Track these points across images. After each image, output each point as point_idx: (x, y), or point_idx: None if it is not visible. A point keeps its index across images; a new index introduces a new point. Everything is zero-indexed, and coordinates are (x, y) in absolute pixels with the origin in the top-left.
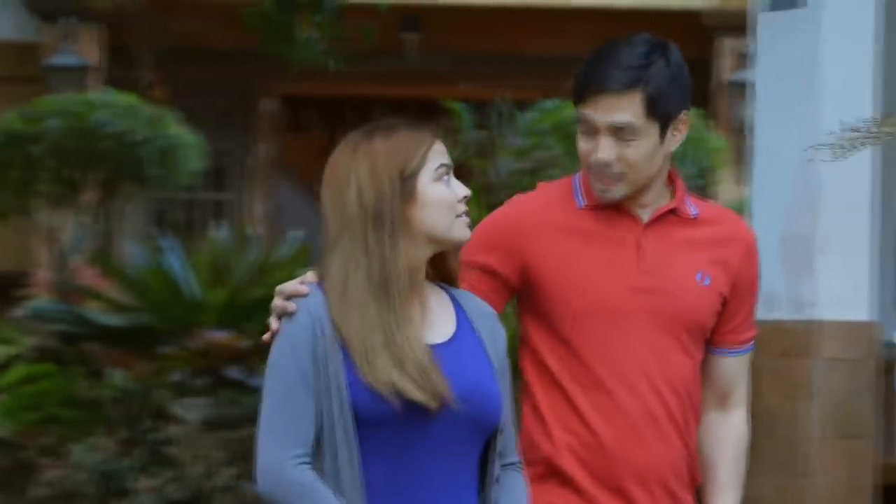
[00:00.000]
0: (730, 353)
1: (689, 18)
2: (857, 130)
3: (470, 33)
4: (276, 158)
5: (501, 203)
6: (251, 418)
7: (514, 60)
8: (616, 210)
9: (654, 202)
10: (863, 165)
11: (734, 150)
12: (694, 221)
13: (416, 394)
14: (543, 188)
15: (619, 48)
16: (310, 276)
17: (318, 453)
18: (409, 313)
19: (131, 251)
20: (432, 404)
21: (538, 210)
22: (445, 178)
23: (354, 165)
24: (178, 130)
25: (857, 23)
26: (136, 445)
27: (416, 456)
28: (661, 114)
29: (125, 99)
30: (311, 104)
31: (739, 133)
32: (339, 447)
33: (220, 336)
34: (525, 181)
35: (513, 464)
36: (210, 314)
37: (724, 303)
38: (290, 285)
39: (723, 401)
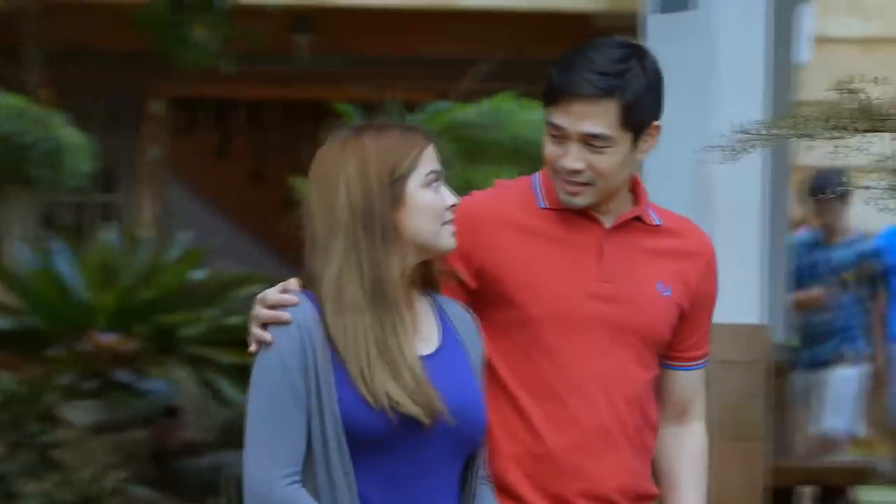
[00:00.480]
0: (688, 368)
1: (578, 21)
2: (748, 132)
3: (362, 35)
4: (166, 160)
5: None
6: (140, 421)
7: (405, 62)
8: (578, 213)
9: (617, 208)
10: (753, 168)
11: None
12: (657, 230)
13: (412, 408)
14: (501, 186)
15: (594, 51)
16: (292, 283)
17: (308, 470)
18: (404, 322)
19: (19, 253)
20: (427, 420)
21: (495, 209)
22: (435, 184)
23: (343, 163)
24: (67, 132)
25: (747, 25)
26: (24, 448)
27: (408, 474)
28: (635, 123)
29: (13, 100)
30: (201, 106)
31: None
32: (333, 464)
33: (108, 339)
34: None
35: (483, 477)
36: (99, 317)
37: (682, 317)
38: (273, 294)
39: (681, 415)
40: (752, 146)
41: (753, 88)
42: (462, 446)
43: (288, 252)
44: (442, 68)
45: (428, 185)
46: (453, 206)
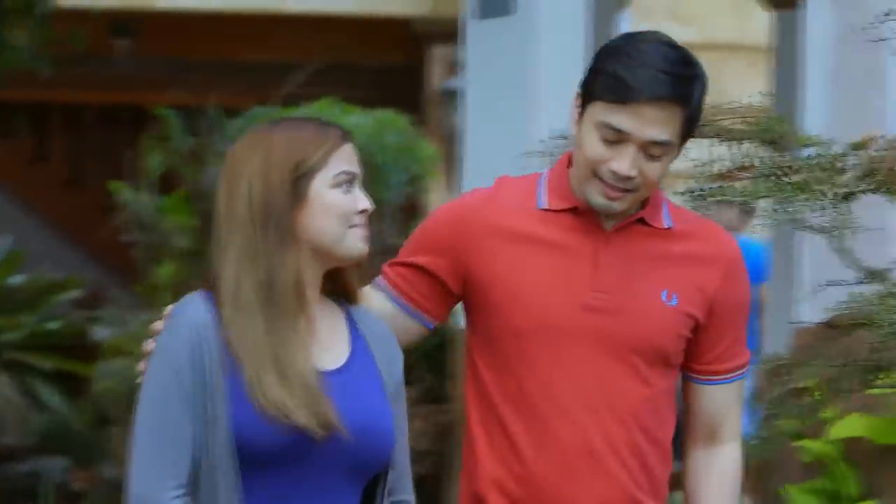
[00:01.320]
0: (715, 382)
1: (399, 26)
2: (567, 138)
3: (183, 39)
4: None
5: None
6: None
7: (227, 67)
8: (577, 215)
9: (624, 210)
10: None
11: (446, 159)
12: (667, 234)
13: (302, 418)
14: (501, 184)
15: (657, 48)
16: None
17: (195, 487)
18: (294, 330)
19: None
20: (319, 432)
21: (488, 210)
22: (346, 185)
23: (249, 158)
24: None
25: (566, 30)
26: None
27: (300, 495)
28: (691, 132)
29: None
30: (18, 109)
31: (451, 141)
32: (220, 480)
33: None
34: None
35: (404, 502)
36: None
37: (699, 328)
38: (160, 324)
39: (711, 435)
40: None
41: (572, 94)
42: (363, 468)
43: (107, 257)
44: (263, 73)
45: (337, 185)
46: (364, 210)
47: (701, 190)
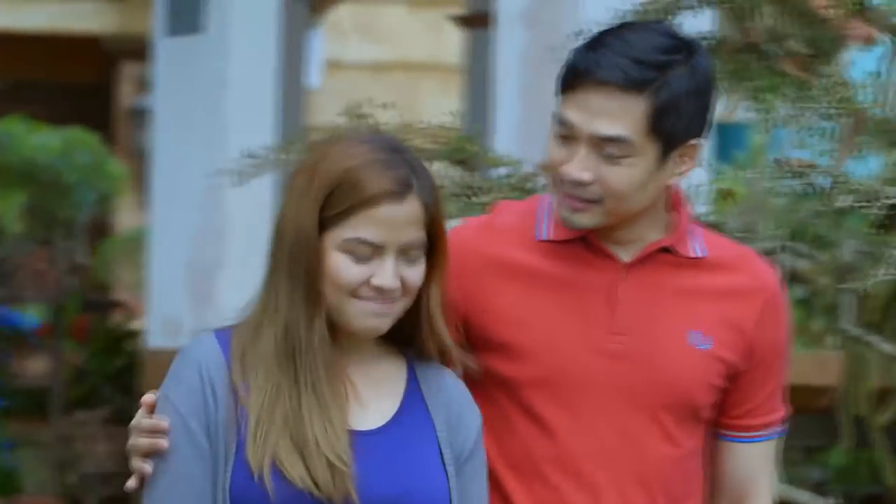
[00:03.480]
0: (748, 440)
1: (89, 43)
2: (256, 157)
3: None
4: None
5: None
6: None
7: None
8: (587, 246)
9: (642, 237)
10: (264, 192)
11: (136, 177)
12: (697, 264)
13: (303, 481)
14: (499, 210)
15: (633, 33)
16: (148, 397)
17: None
18: (319, 390)
19: None
20: (335, 499)
21: (483, 238)
22: (357, 255)
23: (294, 182)
24: None
25: (258, 49)
26: None
27: None
28: (666, 132)
29: None
30: None
31: (141, 159)
32: None
33: None
34: None
35: None
36: None
37: (736, 375)
38: (147, 420)
39: (739, 501)
40: (262, 171)
41: (264, 113)
42: None
43: None
44: None
45: (346, 252)
46: (379, 288)
47: None
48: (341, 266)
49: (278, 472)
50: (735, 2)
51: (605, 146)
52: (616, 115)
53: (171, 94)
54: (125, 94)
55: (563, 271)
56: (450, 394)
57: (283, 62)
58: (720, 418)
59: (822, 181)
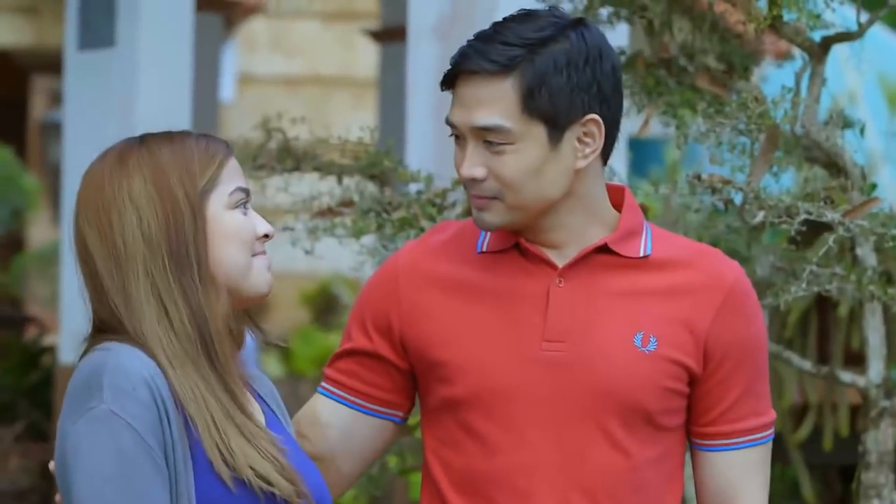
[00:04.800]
0: (723, 448)
1: (2, 57)
2: None
3: None
4: None
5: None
6: None
7: None
8: (521, 253)
9: (577, 239)
10: None
11: (50, 191)
12: (640, 264)
13: (282, 485)
14: (438, 227)
15: (516, 20)
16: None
17: None
18: (238, 383)
19: None
20: (295, 499)
21: (417, 255)
22: (243, 206)
23: (124, 183)
24: None
25: (170, 63)
26: None
27: None
28: (544, 111)
29: None
30: None
31: (55, 174)
32: None
33: None
34: None
35: None
36: None
37: (696, 378)
38: None
39: None
40: None
41: (176, 127)
42: None
43: None
44: None
45: (234, 205)
46: (266, 236)
47: (315, 225)
48: (238, 220)
49: (251, 475)
50: (649, 17)
51: (487, 137)
52: (488, 102)
53: (81, 108)
54: (38, 108)
55: (499, 281)
56: (272, 390)
57: (196, 76)
58: (691, 426)
59: (737, 197)
